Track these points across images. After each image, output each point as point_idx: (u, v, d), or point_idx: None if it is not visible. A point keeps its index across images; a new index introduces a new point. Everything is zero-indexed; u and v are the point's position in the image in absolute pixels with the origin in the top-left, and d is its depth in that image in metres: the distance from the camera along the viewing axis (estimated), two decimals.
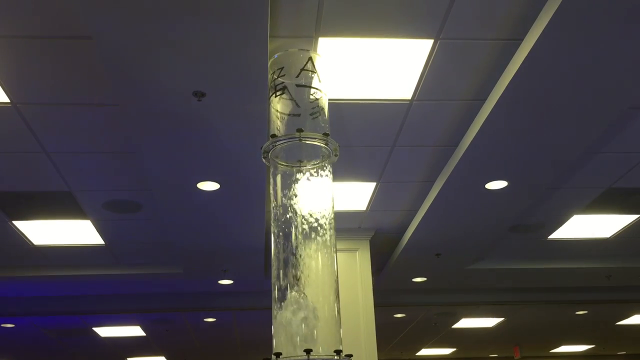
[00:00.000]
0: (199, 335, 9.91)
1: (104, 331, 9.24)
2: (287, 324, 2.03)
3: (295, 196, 2.24)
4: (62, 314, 7.80)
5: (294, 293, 2.08)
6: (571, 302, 8.55)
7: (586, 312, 9.21)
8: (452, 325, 10.05)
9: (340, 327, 2.09)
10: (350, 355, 1.98)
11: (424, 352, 12.56)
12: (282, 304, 2.06)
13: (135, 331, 9.30)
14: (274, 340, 2.04)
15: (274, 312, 2.08)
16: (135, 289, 7.28)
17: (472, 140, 3.96)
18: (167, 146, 3.87)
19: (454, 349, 12.53)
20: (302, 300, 2.04)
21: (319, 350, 1.98)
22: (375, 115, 4.01)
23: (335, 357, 1.95)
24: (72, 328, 8.88)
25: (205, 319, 8.80)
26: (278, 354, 1.94)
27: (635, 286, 7.94)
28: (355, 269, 6.06)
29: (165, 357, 11.57)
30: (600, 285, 7.78)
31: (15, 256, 6.23)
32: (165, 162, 4.08)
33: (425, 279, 7.16)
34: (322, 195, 2.28)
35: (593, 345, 12.70)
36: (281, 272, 2.14)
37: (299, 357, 1.92)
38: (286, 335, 2.02)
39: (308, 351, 1.92)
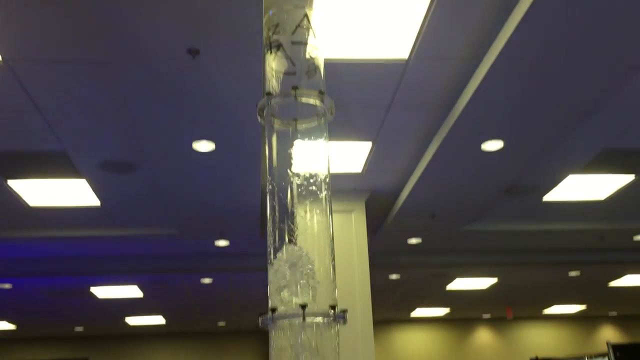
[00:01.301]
0: (196, 296, 10.00)
1: (101, 292, 9.30)
2: (282, 280, 2.04)
3: (291, 156, 2.24)
4: (59, 275, 7.84)
5: (289, 248, 2.09)
6: (564, 263, 8.64)
7: (579, 273, 9.31)
8: (447, 286, 10.15)
9: (335, 287, 2.11)
10: (345, 311, 2.00)
11: (418, 312, 12.72)
12: (278, 259, 2.07)
13: (133, 292, 9.37)
14: (269, 297, 2.05)
15: (270, 269, 2.10)
16: (131, 250, 7.31)
17: (469, 99, 3.95)
18: (161, 105, 3.85)
19: (448, 310, 12.68)
20: (298, 255, 2.05)
21: (314, 306, 2.00)
22: (371, 75, 3.98)
23: (331, 312, 1.97)
24: (70, 289, 8.93)
25: (202, 280, 8.86)
26: (274, 309, 1.96)
27: (627, 247, 8.01)
28: (350, 230, 6.08)
29: (163, 317, 11.69)
30: (593, 246, 7.85)
31: (11, 217, 6.23)
32: (159, 121, 4.06)
33: (420, 240, 7.22)
34: (317, 155, 2.28)
35: (584, 306, 12.87)
36: (276, 233, 2.15)
37: (295, 312, 1.94)
38: (281, 292, 2.04)
39: (304, 306, 1.94)
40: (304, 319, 1.92)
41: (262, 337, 12.09)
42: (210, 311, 11.37)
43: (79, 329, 12.42)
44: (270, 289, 2.06)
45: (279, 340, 1.99)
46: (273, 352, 1.99)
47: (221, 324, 12.73)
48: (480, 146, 4.62)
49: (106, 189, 5.65)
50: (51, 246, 6.97)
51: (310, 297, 2.02)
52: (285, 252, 2.09)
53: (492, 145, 4.61)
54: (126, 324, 12.03)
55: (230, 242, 7.00)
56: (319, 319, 1.97)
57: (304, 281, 2.06)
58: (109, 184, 5.53)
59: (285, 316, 1.94)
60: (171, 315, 11.60)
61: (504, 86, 3.78)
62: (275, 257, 2.11)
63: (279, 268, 2.07)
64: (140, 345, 13.19)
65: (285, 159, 2.23)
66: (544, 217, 6.94)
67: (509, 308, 11.85)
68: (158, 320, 11.88)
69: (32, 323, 11.49)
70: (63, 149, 4.80)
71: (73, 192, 5.71)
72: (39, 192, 5.68)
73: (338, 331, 2.01)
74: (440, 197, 5.76)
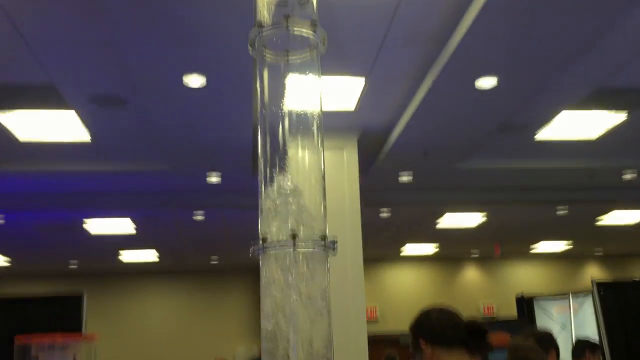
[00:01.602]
0: (188, 233, 10.08)
1: (94, 228, 9.34)
2: (273, 211, 2.06)
3: (283, 90, 2.21)
4: (52, 209, 7.87)
5: (280, 181, 2.09)
6: (553, 201, 8.72)
7: (567, 211, 9.40)
8: (437, 223, 10.26)
9: (326, 222, 2.12)
10: (335, 241, 2.02)
11: (408, 249, 12.91)
12: (269, 191, 2.08)
13: (126, 228, 9.42)
14: (259, 227, 2.07)
15: (261, 201, 2.10)
16: (123, 185, 7.31)
17: (463, 34, 3.89)
18: (149, 36, 3.77)
19: (438, 247, 12.87)
20: (289, 187, 2.06)
21: (305, 236, 2.02)
22: (365, 8, 3.90)
23: (322, 242, 1.99)
24: (63, 224, 8.96)
25: (194, 217, 8.91)
26: (264, 239, 1.98)
27: (616, 186, 8.09)
28: (342, 167, 6.08)
29: (156, 252, 11.82)
30: (582, 185, 7.93)
31: (1, 152, 6.19)
32: (148, 53, 3.99)
33: (411, 177, 7.25)
34: (310, 89, 2.25)
35: (571, 245, 13.09)
36: (267, 168, 2.15)
37: (285, 242, 1.96)
38: (272, 222, 2.05)
39: (294, 236, 1.96)
40: (294, 247, 1.95)
41: (254, 274, 12.26)
42: (203, 248, 11.49)
43: (73, 265, 12.55)
44: (261, 219, 2.08)
45: (269, 270, 2.02)
46: (264, 282, 2.01)
47: (214, 260, 12.89)
48: (474, 82, 4.58)
49: (96, 123, 5.60)
50: (43, 181, 6.96)
51: (301, 228, 2.05)
52: (276, 184, 2.10)
53: (486, 82, 4.57)
54: (120, 260, 12.16)
55: (222, 179, 7.00)
56: (310, 249, 2.00)
57: (295, 213, 2.08)
58: (99, 118, 5.47)
59: (276, 245, 1.97)
60: (164, 251, 11.73)
61: (499, 21, 3.73)
62: (266, 189, 2.12)
63: (270, 199, 2.08)
64: (134, 281, 13.39)
65: (277, 94, 2.21)
66: (535, 156, 6.97)
67: (497, 245, 12.00)
68: (151, 256, 12.02)
69: (27, 258, 11.60)
70: (51, 81, 4.72)
71: (63, 127, 5.66)
72: (29, 126, 5.62)
73: (328, 262, 2.04)
74: (433, 135, 5.76)
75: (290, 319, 1.91)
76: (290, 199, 2.07)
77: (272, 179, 2.12)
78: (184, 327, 13.12)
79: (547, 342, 3.43)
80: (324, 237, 2.00)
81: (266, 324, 1.92)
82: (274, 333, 1.91)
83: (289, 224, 2.01)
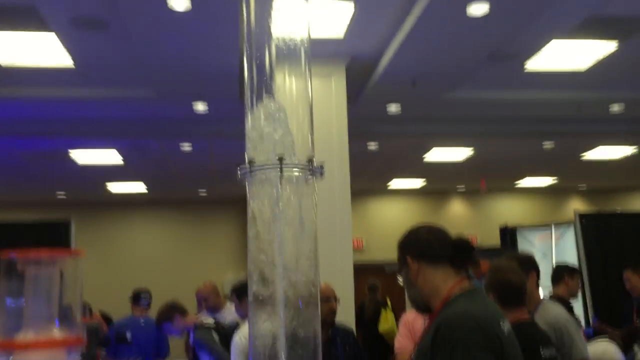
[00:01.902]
0: (176, 164, 10.05)
1: (81, 157, 9.27)
2: (259, 134, 2.04)
3: (269, 13, 2.15)
4: (37, 136, 7.76)
5: (267, 104, 2.06)
6: (539, 134, 8.74)
7: (553, 144, 9.44)
8: (424, 156, 10.27)
9: (313, 149, 2.10)
10: (322, 165, 2.01)
11: (395, 183, 12.99)
12: (255, 114, 2.05)
13: (113, 158, 9.36)
14: (246, 150, 2.05)
15: (247, 124, 2.08)
16: (109, 113, 7.21)
17: None
18: None
19: (425, 182, 12.96)
20: (275, 109, 2.03)
21: (292, 160, 2.00)
22: None
23: (308, 166, 1.98)
24: (49, 152, 8.86)
25: (182, 147, 8.86)
26: (251, 162, 1.97)
27: (602, 118, 8.11)
28: (330, 95, 5.99)
29: (144, 184, 11.82)
30: (569, 117, 7.94)
31: None
32: None
33: (399, 108, 7.20)
34: (297, 12, 2.19)
35: (556, 179, 13.23)
36: (254, 96, 2.11)
37: (273, 164, 1.95)
38: (259, 145, 2.04)
39: (281, 159, 1.95)
40: (281, 170, 1.94)
41: (242, 205, 12.33)
42: (191, 179, 11.49)
43: (61, 195, 12.55)
44: (248, 144, 2.06)
45: (256, 193, 2.02)
46: (250, 206, 2.02)
47: (202, 192, 12.92)
48: (465, 9, 4.48)
49: (78, 47, 5.44)
50: (27, 107, 6.84)
51: (288, 152, 2.03)
52: (263, 110, 2.06)
53: (478, 9, 4.47)
54: (108, 191, 12.16)
55: (209, 107, 6.91)
56: (297, 172, 1.99)
57: (282, 138, 2.06)
58: (81, 41, 5.32)
59: (262, 168, 1.96)
60: (152, 183, 11.72)
61: None
62: (252, 114, 2.09)
63: (256, 124, 2.05)
64: (123, 211, 13.43)
65: (263, 17, 2.14)
66: (524, 86, 6.93)
67: (482, 180, 12.09)
68: (139, 187, 12.02)
69: (14, 188, 11.56)
70: (30, 1, 4.53)
71: (45, 51, 5.51)
72: (10, 49, 5.47)
73: (316, 189, 2.04)
74: (423, 63, 5.67)
75: (277, 241, 1.92)
76: (277, 125, 2.05)
77: (258, 105, 2.09)
78: (172, 256, 13.28)
79: (528, 263, 3.51)
80: (310, 162, 1.99)
81: (253, 247, 1.93)
82: (260, 256, 1.92)
83: (276, 149, 2.00)
